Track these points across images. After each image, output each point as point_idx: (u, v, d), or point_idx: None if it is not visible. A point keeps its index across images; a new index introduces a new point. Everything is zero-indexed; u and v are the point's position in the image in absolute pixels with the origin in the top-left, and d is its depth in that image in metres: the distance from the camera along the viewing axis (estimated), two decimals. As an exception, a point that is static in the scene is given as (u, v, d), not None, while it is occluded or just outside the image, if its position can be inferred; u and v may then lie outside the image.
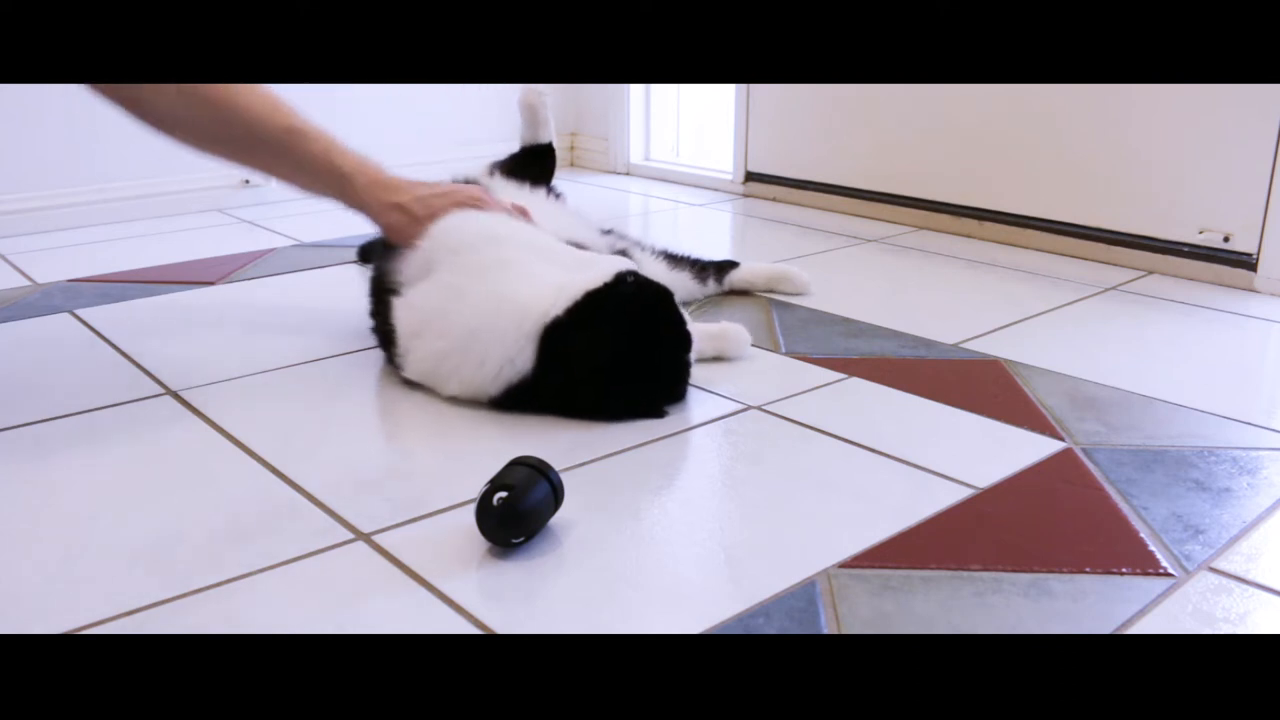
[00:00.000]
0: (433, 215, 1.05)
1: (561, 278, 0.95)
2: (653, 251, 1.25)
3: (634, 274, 0.96)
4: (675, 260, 1.27)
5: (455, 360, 0.95)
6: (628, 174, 2.24)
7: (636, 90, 2.22)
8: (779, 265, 1.38)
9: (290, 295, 1.36)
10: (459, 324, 0.95)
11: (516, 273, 0.96)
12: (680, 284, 1.25)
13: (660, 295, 0.96)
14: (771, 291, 1.35)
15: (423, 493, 0.82)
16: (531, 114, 1.32)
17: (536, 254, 1.00)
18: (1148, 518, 0.79)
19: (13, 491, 0.83)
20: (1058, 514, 0.79)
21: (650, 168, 2.22)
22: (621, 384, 0.93)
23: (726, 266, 1.34)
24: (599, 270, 0.95)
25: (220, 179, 1.86)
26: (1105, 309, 1.31)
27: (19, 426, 0.94)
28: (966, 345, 1.16)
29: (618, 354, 0.93)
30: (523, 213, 1.11)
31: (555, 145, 1.36)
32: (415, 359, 0.98)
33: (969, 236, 1.67)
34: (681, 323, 0.97)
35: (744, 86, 1.97)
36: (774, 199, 1.96)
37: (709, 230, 1.80)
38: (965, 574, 0.71)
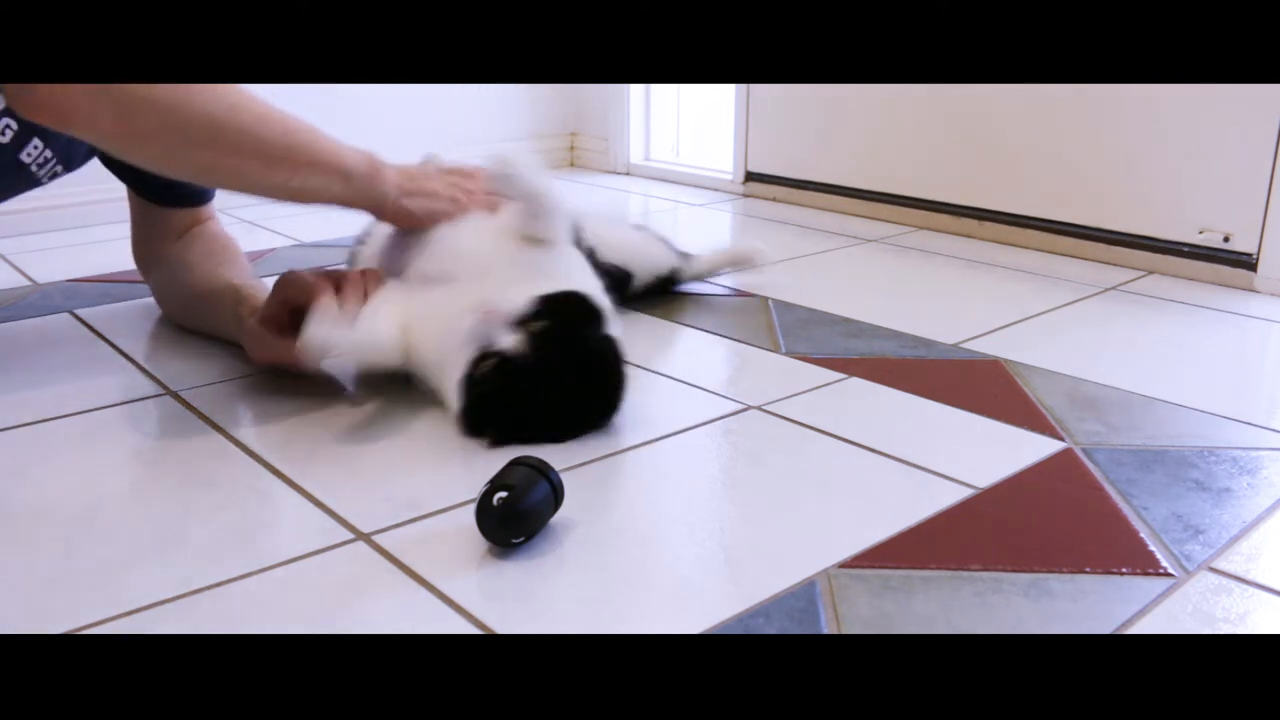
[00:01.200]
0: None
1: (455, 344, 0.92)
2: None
3: (488, 353, 0.89)
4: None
5: (435, 381, 0.96)
6: (628, 174, 2.24)
7: (636, 90, 2.22)
8: (737, 246, 1.45)
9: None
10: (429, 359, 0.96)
11: (431, 327, 0.95)
12: (645, 250, 1.29)
13: (525, 362, 0.88)
14: (737, 267, 1.42)
15: (423, 493, 0.82)
16: None
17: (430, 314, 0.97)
18: (1148, 518, 0.79)
19: (13, 491, 0.83)
20: (1058, 514, 0.79)
21: (650, 168, 2.22)
22: (537, 428, 0.91)
23: (689, 257, 1.36)
24: (462, 348, 0.91)
25: (220, 179, 1.85)
26: (1105, 309, 1.31)
27: (19, 426, 0.94)
28: (966, 345, 1.16)
29: (517, 420, 0.90)
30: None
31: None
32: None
33: (969, 236, 1.67)
34: (563, 362, 0.89)
35: (744, 86, 1.97)
36: (774, 199, 1.97)
37: (709, 230, 1.80)
38: (965, 574, 0.71)
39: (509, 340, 0.88)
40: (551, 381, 0.89)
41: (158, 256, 1.23)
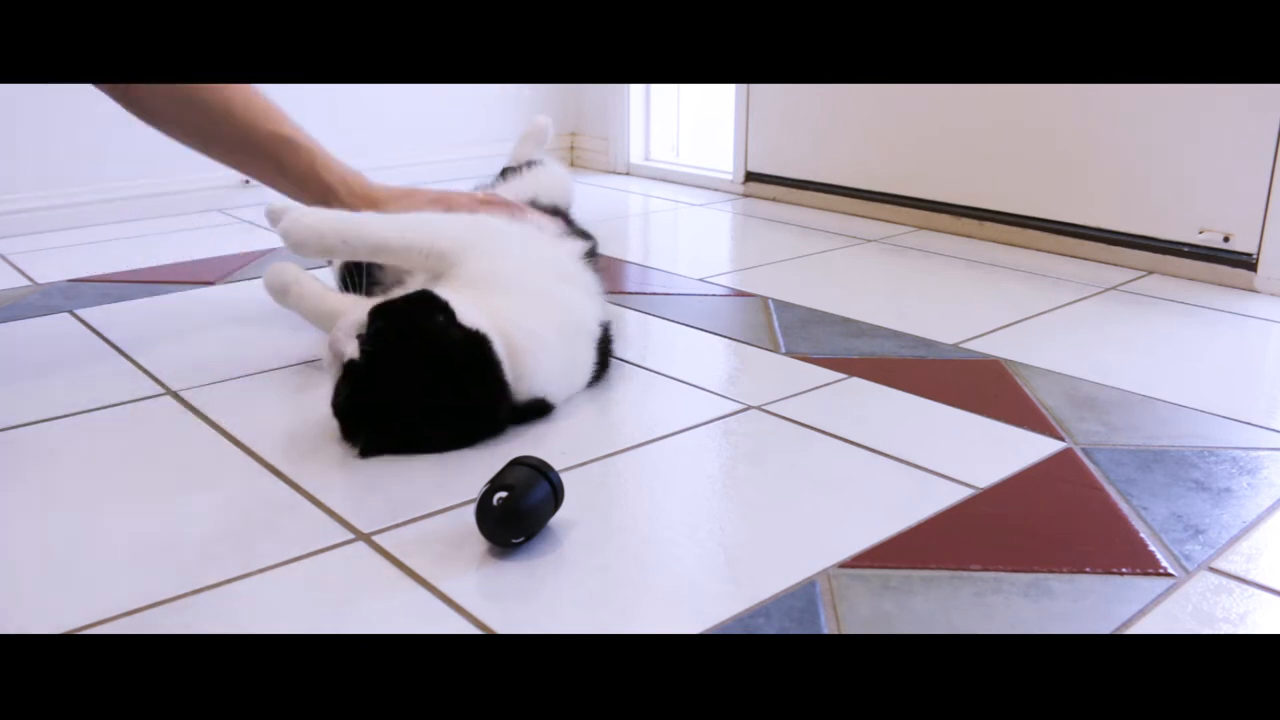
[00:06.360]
0: None
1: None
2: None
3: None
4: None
5: None
6: (628, 174, 2.24)
7: (636, 90, 2.22)
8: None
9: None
10: None
11: None
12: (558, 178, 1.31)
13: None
14: (534, 145, 1.45)
15: (423, 493, 0.82)
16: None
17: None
18: (1148, 518, 0.79)
19: (13, 491, 0.83)
20: (1058, 514, 0.79)
21: (650, 168, 2.22)
22: (403, 433, 0.89)
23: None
24: (328, 369, 0.92)
25: (220, 179, 1.86)
26: (1105, 309, 1.31)
27: (19, 426, 0.94)
28: (966, 345, 1.16)
29: (379, 428, 0.89)
30: (515, 208, 1.11)
31: (553, 147, 1.38)
32: None
33: (969, 236, 1.67)
34: (397, 366, 0.87)
35: (744, 86, 1.97)
36: (774, 199, 1.96)
37: (709, 230, 1.80)
38: (965, 574, 0.71)
39: (352, 350, 0.87)
40: (393, 383, 0.86)
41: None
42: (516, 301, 0.94)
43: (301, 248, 0.95)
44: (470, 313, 0.88)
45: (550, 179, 1.30)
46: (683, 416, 0.96)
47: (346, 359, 0.87)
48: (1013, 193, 1.62)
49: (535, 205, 1.17)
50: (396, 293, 1.00)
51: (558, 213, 1.20)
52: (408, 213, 1.03)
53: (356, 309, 0.90)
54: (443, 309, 0.87)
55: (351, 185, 1.09)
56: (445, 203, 1.09)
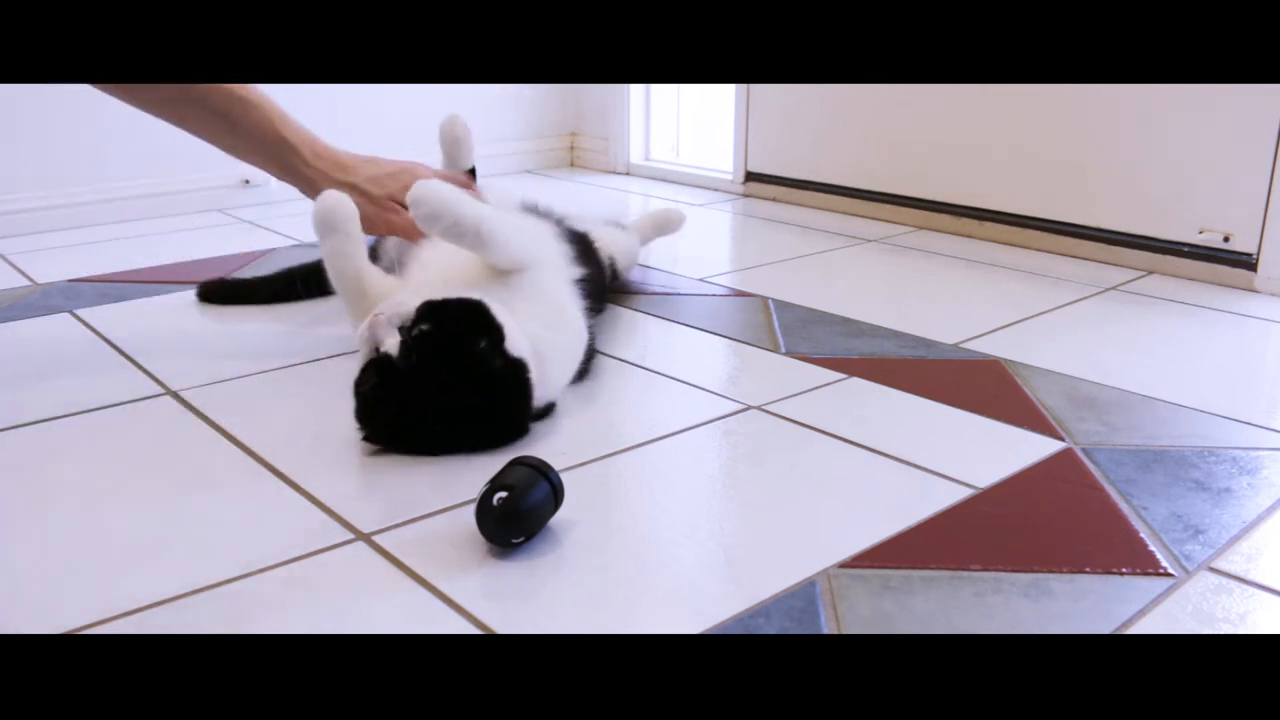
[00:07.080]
0: (390, 196, 1.06)
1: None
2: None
3: (375, 357, 0.88)
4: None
5: None
6: (628, 174, 2.24)
7: (636, 90, 2.22)
8: (656, 211, 1.51)
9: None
10: None
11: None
12: (626, 241, 1.37)
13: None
14: (660, 232, 1.49)
15: (423, 493, 0.82)
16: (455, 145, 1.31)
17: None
18: (1148, 518, 0.79)
19: (13, 491, 0.83)
20: (1058, 514, 0.79)
21: (650, 168, 2.22)
22: (418, 435, 0.89)
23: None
24: (359, 349, 0.91)
25: (220, 179, 1.86)
26: (1105, 309, 1.31)
27: (19, 426, 0.94)
28: (966, 345, 1.16)
29: (397, 423, 0.88)
30: (467, 186, 1.11)
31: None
32: None
33: (969, 236, 1.67)
34: (434, 371, 0.85)
35: (744, 86, 1.97)
36: (774, 199, 1.96)
37: (709, 230, 1.80)
38: (965, 574, 0.71)
39: (392, 344, 0.86)
40: (422, 389, 0.85)
41: None
42: (545, 314, 0.95)
43: (434, 221, 0.89)
44: (516, 335, 0.88)
45: (625, 245, 1.37)
46: (683, 416, 0.96)
47: (383, 350, 0.86)
48: (1013, 193, 1.62)
49: (601, 256, 1.23)
50: (401, 278, 1.01)
51: (615, 272, 1.31)
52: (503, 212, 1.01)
53: (402, 295, 0.89)
54: (493, 332, 0.86)
55: (317, 146, 1.06)
56: (410, 173, 1.09)
